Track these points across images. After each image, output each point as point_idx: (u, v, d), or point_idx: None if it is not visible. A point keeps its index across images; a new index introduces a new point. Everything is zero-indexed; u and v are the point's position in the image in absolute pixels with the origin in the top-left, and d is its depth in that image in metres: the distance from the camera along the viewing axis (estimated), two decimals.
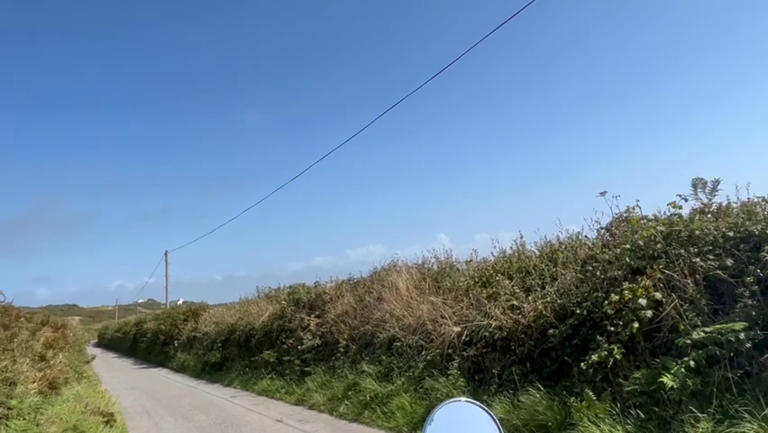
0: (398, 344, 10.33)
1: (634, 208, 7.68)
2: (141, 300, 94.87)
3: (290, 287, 17.48)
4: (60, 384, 11.18)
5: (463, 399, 1.62)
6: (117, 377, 21.65)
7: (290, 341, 14.61)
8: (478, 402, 1.62)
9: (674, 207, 7.00)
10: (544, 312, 7.60)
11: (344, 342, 12.34)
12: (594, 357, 6.17)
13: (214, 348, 19.81)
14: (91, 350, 35.02)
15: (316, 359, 13.22)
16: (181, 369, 22.15)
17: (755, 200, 6.37)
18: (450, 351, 8.95)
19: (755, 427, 4.63)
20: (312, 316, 14.64)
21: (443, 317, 9.63)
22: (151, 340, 30.31)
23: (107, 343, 50.91)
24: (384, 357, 10.53)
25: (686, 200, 6.99)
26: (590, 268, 7.39)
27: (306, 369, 13.12)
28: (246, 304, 20.81)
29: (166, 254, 42.79)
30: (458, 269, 11.60)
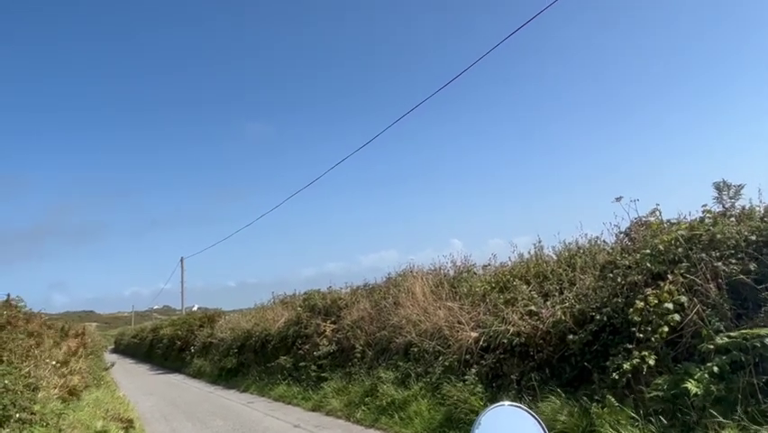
0: (415, 349, 10.31)
1: (654, 212, 7.61)
2: (156, 307, 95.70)
3: (305, 293, 17.54)
4: (81, 390, 11.32)
5: (507, 403, 1.62)
6: (135, 383, 21.84)
7: (306, 347, 14.65)
8: (523, 406, 1.62)
9: (708, 212, 6.90)
10: (563, 318, 7.54)
11: (361, 347, 12.34)
12: (626, 365, 6.07)
13: (230, 354, 19.92)
14: (108, 356, 35.38)
15: (333, 365, 13.24)
16: (198, 375, 22.29)
17: None
18: (467, 357, 8.92)
19: None
20: (327, 322, 14.66)
21: (459, 322, 9.60)
22: (168, 346, 30.55)
23: (124, 349, 51.40)
24: (401, 363, 10.52)
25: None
26: (610, 273, 7.33)
27: (322, 375, 13.14)
28: (262, 310, 20.91)
29: (182, 261, 43.22)
30: (475, 273, 11.57)
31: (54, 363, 10.75)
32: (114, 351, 53.32)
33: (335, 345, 13.64)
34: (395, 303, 12.09)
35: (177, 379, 23.01)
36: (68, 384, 10.41)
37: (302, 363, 14.34)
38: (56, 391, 9.55)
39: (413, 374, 9.87)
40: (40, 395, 8.41)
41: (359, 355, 12.24)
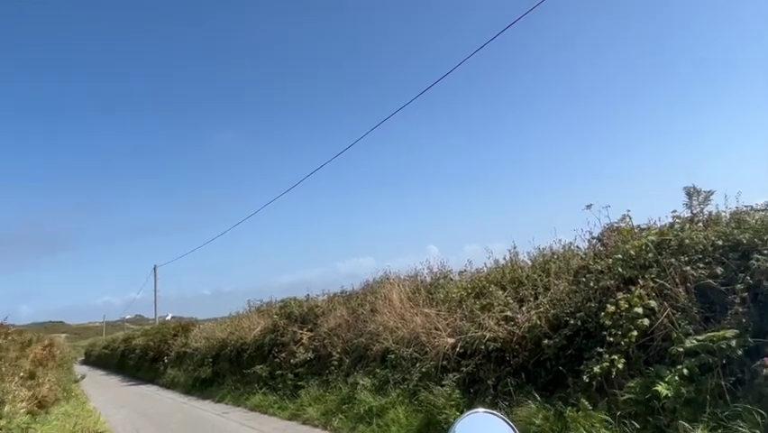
0: (392, 356, 10.31)
1: (625, 218, 7.78)
2: (128, 316, 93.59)
3: (282, 301, 17.40)
4: (49, 403, 11.03)
5: (482, 410, 1.64)
6: (106, 395, 21.33)
7: (283, 355, 14.52)
8: (497, 413, 1.64)
9: (677, 218, 7.07)
10: (538, 323, 7.64)
11: (338, 355, 12.29)
12: (596, 369, 6.19)
13: (204, 364, 19.63)
14: (78, 368, 34.49)
15: (309, 373, 13.15)
16: (171, 385, 21.88)
17: (744, 209, 6.50)
18: (444, 363, 8.95)
19: None
20: (304, 329, 14.56)
21: (436, 328, 9.64)
22: (140, 356, 29.96)
23: (95, 360, 50.17)
24: (378, 370, 10.50)
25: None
26: (583, 278, 7.45)
27: (299, 383, 13.04)
28: (237, 319, 20.67)
29: (155, 269, 42.48)
30: (451, 279, 11.64)
31: (21, 374, 10.45)
32: (85, 362, 51.96)
33: (312, 352, 13.55)
34: (372, 310, 12.08)
35: (149, 390, 22.55)
36: (36, 397, 10.14)
37: (278, 372, 14.21)
38: (23, 404, 9.29)
39: (390, 381, 9.86)
40: (5, 409, 8.17)
41: (336, 363, 12.19)
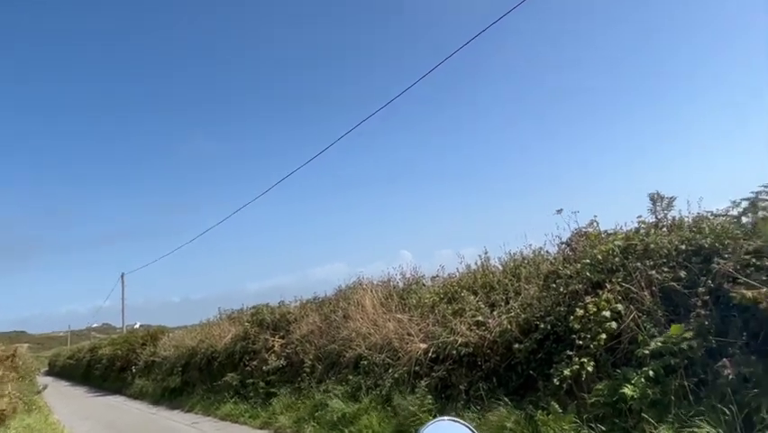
0: (365, 362, 10.28)
1: (592, 224, 7.93)
2: (95, 325, 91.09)
3: (253, 308, 17.18)
4: (8, 416, 10.64)
5: (447, 418, 1.64)
6: (70, 406, 20.71)
7: (254, 363, 14.34)
8: (461, 421, 1.65)
9: (642, 223, 7.24)
10: (509, 327, 7.72)
11: (310, 362, 12.20)
12: (566, 372, 6.29)
13: (174, 373, 19.25)
14: (42, 379, 33.35)
15: (281, 380, 13.01)
16: (139, 395, 21.38)
17: (705, 215, 6.69)
18: (417, 368, 8.96)
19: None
20: (276, 336, 14.41)
21: (409, 334, 9.66)
22: (107, 366, 29.22)
23: (59, 370, 48.63)
24: (351, 376, 10.46)
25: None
26: (553, 283, 7.57)
27: (270, 391, 12.89)
28: (208, 326, 20.34)
29: (122, 277, 41.57)
30: (424, 284, 11.68)
31: None
32: (49, 373, 50.33)
33: (284, 359, 13.42)
34: (344, 316, 12.03)
35: (116, 401, 21.98)
36: None
37: (250, 380, 14.01)
38: None
39: (363, 387, 9.82)
40: None
41: (308, 370, 12.09)
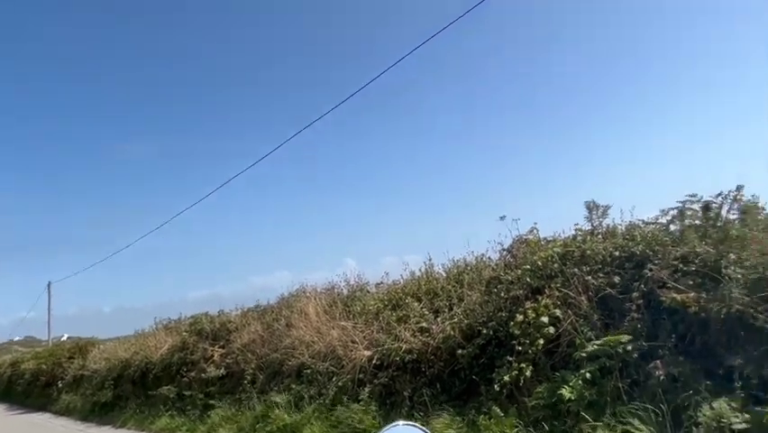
0: (308, 371, 10.12)
1: (533, 231, 8.16)
2: (17, 338, 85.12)
3: (192, 317, 16.61)
4: None
5: (401, 422, 1.62)
6: None
7: (192, 374, 13.83)
8: (417, 424, 1.63)
9: (579, 230, 7.52)
10: (452, 333, 7.80)
11: (251, 372, 11.88)
12: (506, 377, 6.42)
13: (105, 387, 18.26)
14: None
15: (221, 391, 12.61)
16: (66, 412, 20.15)
17: (637, 223, 7.03)
18: (361, 376, 8.91)
19: (645, 431, 5.02)
20: (216, 346, 13.97)
21: (353, 341, 9.59)
22: (30, 382, 27.39)
23: None
24: (294, 385, 10.26)
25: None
26: (495, 288, 7.72)
27: (209, 402, 12.46)
28: (143, 337, 19.46)
29: (49, 286, 39.23)
30: (368, 291, 11.64)
31: None
32: None
33: (224, 370, 13.01)
34: (287, 324, 11.81)
35: (40, 418, 20.62)
36: None
37: (187, 392, 13.50)
38: None
39: (306, 397, 9.66)
40: None
41: (249, 380, 11.78)
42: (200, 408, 12.67)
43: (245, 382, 11.81)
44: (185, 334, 15.45)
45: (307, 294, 12.61)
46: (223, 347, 13.82)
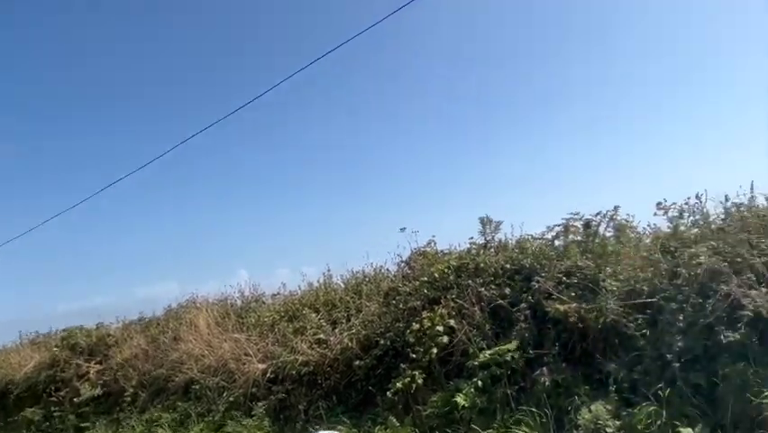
0: (197, 386, 9.57)
1: (430, 243, 8.39)
2: None
3: (65, 330, 15.12)
4: None
5: (322, 430, 1.55)
6: None
7: (62, 393, 12.55)
8: (339, 428, 1.56)
9: (473, 244, 7.84)
10: (350, 344, 7.77)
11: (132, 389, 11.01)
12: (398, 384, 6.51)
13: None
14: None
15: (97, 412, 11.54)
16: None
17: (527, 237, 7.47)
18: (254, 390, 8.59)
19: None
20: (92, 362, 12.81)
21: (246, 354, 9.23)
22: None
23: None
24: (180, 403, 9.66)
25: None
26: (393, 300, 7.83)
27: (82, 425, 11.36)
28: (4, 353, 17.40)
29: None
30: (264, 303, 11.31)
31: None
32: None
33: (101, 388, 11.95)
34: (175, 338, 11.12)
35: None
36: None
37: (57, 414, 12.21)
38: None
39: (193, 414, 9.12)
40: None
41: (130, 398, 10.91)
42: (71, 430, 11.52)
43: (125, 400, 10.94)
44: (56, 349, 14.00)
45: (198, 305, 11.98)
46: (100, 363, 12.71)
